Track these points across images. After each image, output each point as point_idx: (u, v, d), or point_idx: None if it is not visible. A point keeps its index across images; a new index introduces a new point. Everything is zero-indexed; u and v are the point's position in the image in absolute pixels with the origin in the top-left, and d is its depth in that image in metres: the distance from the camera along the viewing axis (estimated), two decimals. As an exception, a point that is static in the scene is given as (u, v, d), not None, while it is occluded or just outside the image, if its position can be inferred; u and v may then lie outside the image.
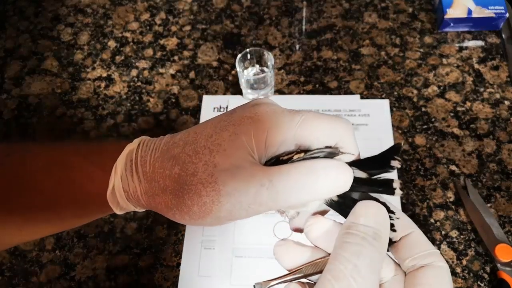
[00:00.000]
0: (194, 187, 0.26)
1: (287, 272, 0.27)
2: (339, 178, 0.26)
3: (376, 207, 0.25)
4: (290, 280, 0.26)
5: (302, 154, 0.27)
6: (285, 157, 0.27)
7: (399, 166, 0.26)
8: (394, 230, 0.26)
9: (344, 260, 0.23)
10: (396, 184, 0.26)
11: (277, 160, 0.27)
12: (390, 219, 0.26)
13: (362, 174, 0.27)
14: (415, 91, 0.65)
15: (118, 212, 0.31)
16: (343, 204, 0.27)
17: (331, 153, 0.27)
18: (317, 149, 0.27)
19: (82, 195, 0.31)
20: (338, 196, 0.27)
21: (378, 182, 0.27)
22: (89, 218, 0.35)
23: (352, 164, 0.27)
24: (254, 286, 0.26)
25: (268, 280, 0.26)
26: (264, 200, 0.25)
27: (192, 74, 0.70)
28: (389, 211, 0.26)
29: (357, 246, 0.23)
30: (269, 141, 0.27)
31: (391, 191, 0.26)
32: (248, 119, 0.27)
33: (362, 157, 0.29)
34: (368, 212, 0.25)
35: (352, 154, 0.28)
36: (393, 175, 0.58)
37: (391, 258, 0.27)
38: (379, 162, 0.27)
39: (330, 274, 0.23)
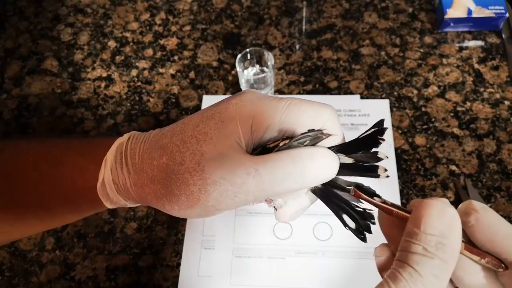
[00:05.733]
0: (181, 176, 0.26)
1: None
2: (325, 167, 0.26)
3: (438, 209, 0.23)
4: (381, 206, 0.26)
5: (287, 141, 0.27)
6: (271, 145, 0.27)
7: (386, 157, 0.26)
8: (373, 223, 0.26)
9: (405, 267, 0.22)
10: (381, 170, 0.26)
11: (264, 148, 0.28)
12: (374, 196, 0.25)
13: (348, 160, 0.27)
14: (415, 91, 0.65)
15: (109, 206, 0.31)
16: (327, 191, 0.27)
17: (316, 136, 0.27)
18: (302, 134, 0.27)
19: (73, 189, 0.31)
20: (323, 183, 0.27)
21: (363, 168, 0.26)
22: (81, 214, 0.35)
23: (337, 149, 0.27)
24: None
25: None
26: (251, 189, 0.25)
27: (192, 74, 0.70)
28: (374, 194, 0.26)
29: (417, 256, 0.22)
30: (255, 126, 0.27)
31: (376, 175, 0.26)
32: (233, 106, 0.27)
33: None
34: (429, 216, 0.22)
35: (336, 136, 0.27)
36: (391, 170, 0.58)
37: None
38: (365, 143, 0.26)
39: (390, 279, 0.22)
